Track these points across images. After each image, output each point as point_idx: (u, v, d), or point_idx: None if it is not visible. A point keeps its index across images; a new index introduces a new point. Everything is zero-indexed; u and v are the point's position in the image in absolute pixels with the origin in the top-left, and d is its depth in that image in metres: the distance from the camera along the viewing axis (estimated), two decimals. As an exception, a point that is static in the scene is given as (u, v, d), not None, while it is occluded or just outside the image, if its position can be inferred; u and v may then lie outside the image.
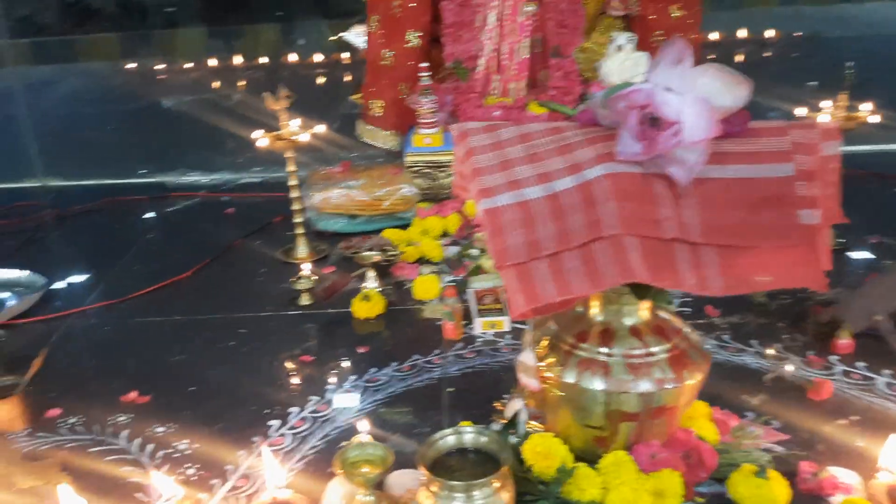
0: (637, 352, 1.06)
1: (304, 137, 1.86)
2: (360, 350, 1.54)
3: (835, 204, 1.01)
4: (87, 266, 2.01)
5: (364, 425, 1.14)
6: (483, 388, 1.37)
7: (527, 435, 1.16)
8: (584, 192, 0.96)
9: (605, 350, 1.07)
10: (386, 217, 2.12)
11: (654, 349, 1.07)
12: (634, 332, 1.08)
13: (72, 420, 1.35)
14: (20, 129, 3.10)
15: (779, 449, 1.18)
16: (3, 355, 1.54)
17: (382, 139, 2.37)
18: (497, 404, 1.30)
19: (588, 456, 1.11)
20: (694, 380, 1.07)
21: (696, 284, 0.95)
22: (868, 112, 1.85)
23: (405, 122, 2.35)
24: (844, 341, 1.44)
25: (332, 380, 1.43)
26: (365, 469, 1.05)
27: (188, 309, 1.76)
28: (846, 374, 1.38)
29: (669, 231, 0.95)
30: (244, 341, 1.61)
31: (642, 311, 1.10)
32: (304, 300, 1.75)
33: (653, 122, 0.94)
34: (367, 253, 1.81)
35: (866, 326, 1.43)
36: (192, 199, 2.55)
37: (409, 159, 2.22)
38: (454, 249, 1.98)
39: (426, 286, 1.74)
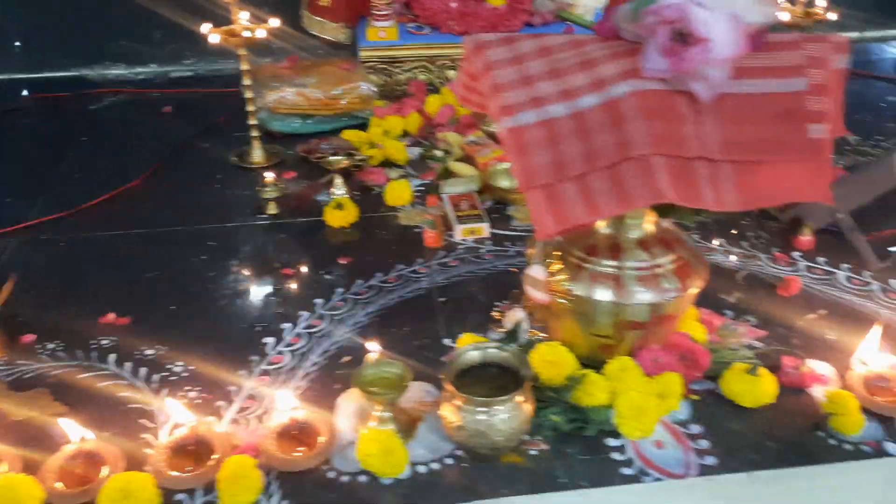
0: (644, 263, 1.10)
1: (261, 33, 1.74)
2: (342, 261, 1.52)
3: (840, 116, 1.05)
4: (19, 175, 1.86)
5: (374, 345, 1.14)
6: (475, 296, 1.39)
7: (529, 344, 1.19)
8: (610, 110, 0.95)
9: (614, 263, 1.10)
10: (340, 117, 2.04)
11: (660, 260, 1.10)
12: (641, 244, 1.11)
13: (50, 346, 1.28)
14: None
15: (759, 345, 1.27)
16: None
17: (332, 32, 2.25)
18: (495, 314, 1.32)
19: (592, 363, 1.15)
20: (696, 287, 1.12)
21: (714, 201, 0.97)
22: (824, 8, 1.89)
23: (355, 13, 2.23)
24: (806, 238, 1.53)
25: (321, 293, 1.42)
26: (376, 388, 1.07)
27: (147, 220, 1.67)
28: (809, 269, 1.47)
29: (693, 149, 0.96)
30: (216, 254, 1.55)
31: (647, 223, 1.12)
32: (272, 209, 1.69)
33: (680, 38, 0.93)
34: (334, 158, 1.75)
35: (827, 223, 1.52)
36: (118, 96, 2.38)
37: (364, 54, 2.12)
38: (416, 151, 1.94)
39: (398, 192, 1.71)
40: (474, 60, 1.04)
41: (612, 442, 1.09)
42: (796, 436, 1.10)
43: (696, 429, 1.11)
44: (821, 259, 1.50)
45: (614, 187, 0.94)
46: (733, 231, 1.58)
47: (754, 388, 1.13)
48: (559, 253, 1.13)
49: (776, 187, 1.00)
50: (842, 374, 1.19)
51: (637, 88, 0.95)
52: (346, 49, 2.27)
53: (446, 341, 1.28)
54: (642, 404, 1.08)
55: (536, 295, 1.14)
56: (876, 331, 1.18)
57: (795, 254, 1.51)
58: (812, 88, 0.98)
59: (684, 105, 0.96)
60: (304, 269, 1.50)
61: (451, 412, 1.02)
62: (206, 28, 1.74)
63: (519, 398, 1.02)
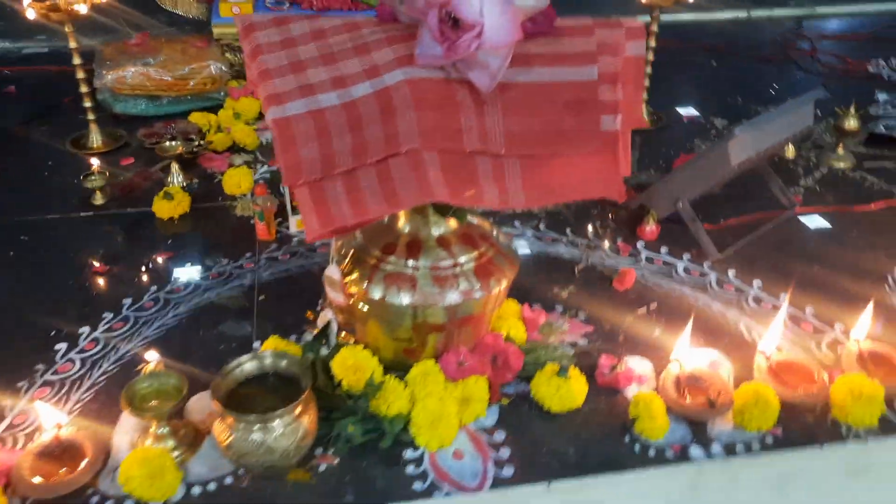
0: (444, 263, 1.03)
1: (83, 9, 1.60)
2: (162, 256, 1.41)
3: (637, 107, 0.99)
4: None
5: (153, 354, 1.04)
6: (298, 295, 1.31)
7: (338, 347, 1.12)
8: (382, 99, 0.87)
9: (411, 263, 1.03)
10: (194, 98, 1.92)
11: (460, 259, 1.04)
12: (442, 242, 1.04)
13: None
14: None
15: (583, 342, 1.22)
16: None
17: (185, 6, 2.11)
18: (309, 314, 1.25)
19: (399, 367, 1.09)
20: (500, 287, 1.06)
21: (497, 199, 0.91)
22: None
23: (211, -13, 2.10)
24: (650, 227, 1.49)
25: (131, 292, 1.31)
26: (155, 402, 0.98)
27: (-43, 213, 1.54)
28: (650, 260, 1.43)
29: (472, 143, 0.89)
30: (27, 250, 1.43)
31: (450, 220, 1.06)
32: (98, 199, 1.57)
33: (454, 23, 0.85)
34: (170, 144, 1.63)
35: (671, 212, 1.48)
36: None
37: (216, 31, 1.99)
38: (270, 135, 1.83)
39: (237, 179, 1.60)
40: (245, 43, 0.95)
41: (410, 454, 1.03)
42: (603, 442, 1.05)
43: (501, 436, 1.06)
44: (664, 249, 1.46)
45: (382, 185, 0.87)
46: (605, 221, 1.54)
47: (561, 391, 1.07)
48: (354, 252, 1.06)
49: (566, 183, 0.94)
50: (659, 373, 1.15)
51: (411, 76, 0.87)
52: (206, 26, 2.14)
53: (256, 344, 1.20)
54: (439, 411, 1.01)
55: (334, 296, 1.06)
56: (688, 327, 1.14)
57: (640, 244, 1.47)
58: (603, 77, 0.92)
59: (465, 95, 0.89)
60: (118, 265, 1.39)
61: (221, 430, 0.94)
62: (26, 1, 1.60)
63: (296, 410, 0.94)
